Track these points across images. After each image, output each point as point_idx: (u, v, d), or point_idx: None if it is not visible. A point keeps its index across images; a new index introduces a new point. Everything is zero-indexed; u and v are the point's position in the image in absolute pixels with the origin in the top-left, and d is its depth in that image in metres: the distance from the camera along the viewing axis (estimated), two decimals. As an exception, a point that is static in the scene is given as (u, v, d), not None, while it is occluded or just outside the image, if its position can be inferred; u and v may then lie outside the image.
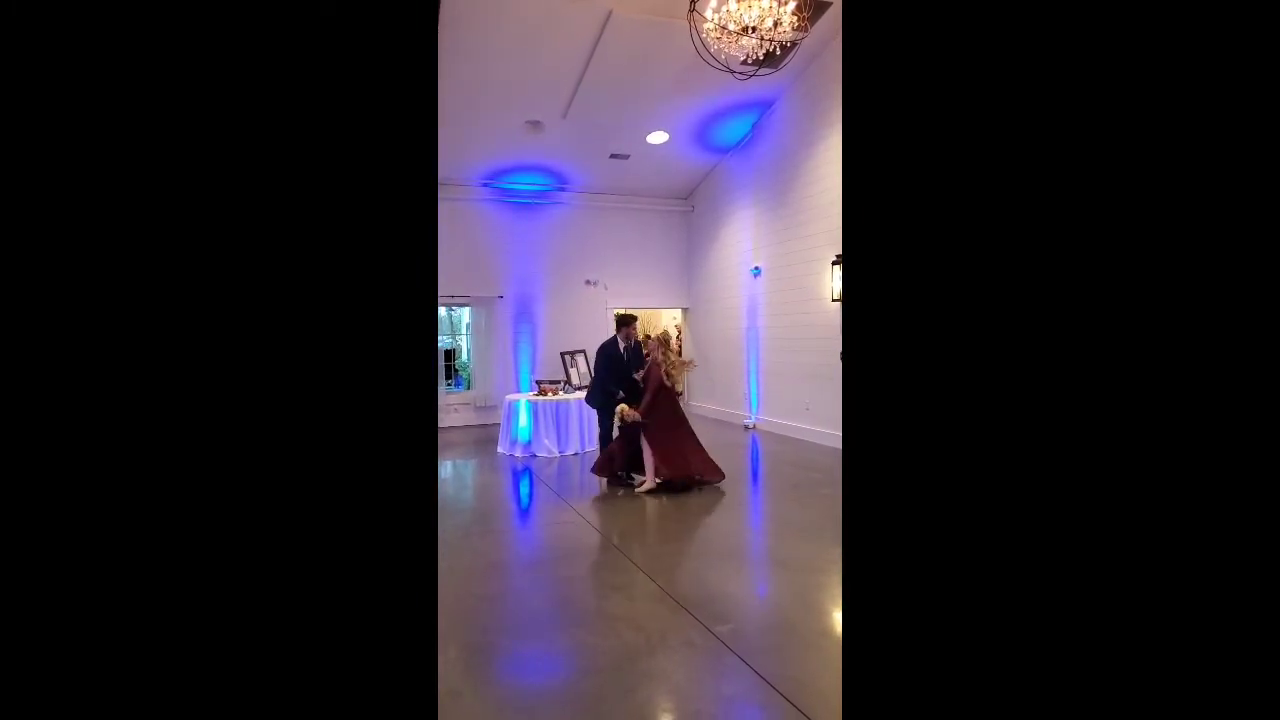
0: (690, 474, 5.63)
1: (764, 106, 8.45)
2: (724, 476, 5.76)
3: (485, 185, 9.70)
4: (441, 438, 8.39)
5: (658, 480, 5.61)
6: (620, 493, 5.66)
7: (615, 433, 5.90)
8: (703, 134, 8.95)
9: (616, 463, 5.89)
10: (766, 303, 8.82)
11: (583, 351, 8.89)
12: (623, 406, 5.70)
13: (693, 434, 5.87)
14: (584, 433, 7.56)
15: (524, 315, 10.08)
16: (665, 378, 5.74)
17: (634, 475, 5.88)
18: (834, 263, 7.33)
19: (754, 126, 8.85)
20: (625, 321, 6.18)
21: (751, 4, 4.70)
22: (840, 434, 7.14)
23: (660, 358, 5.75)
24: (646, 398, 5.65)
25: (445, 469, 6.95)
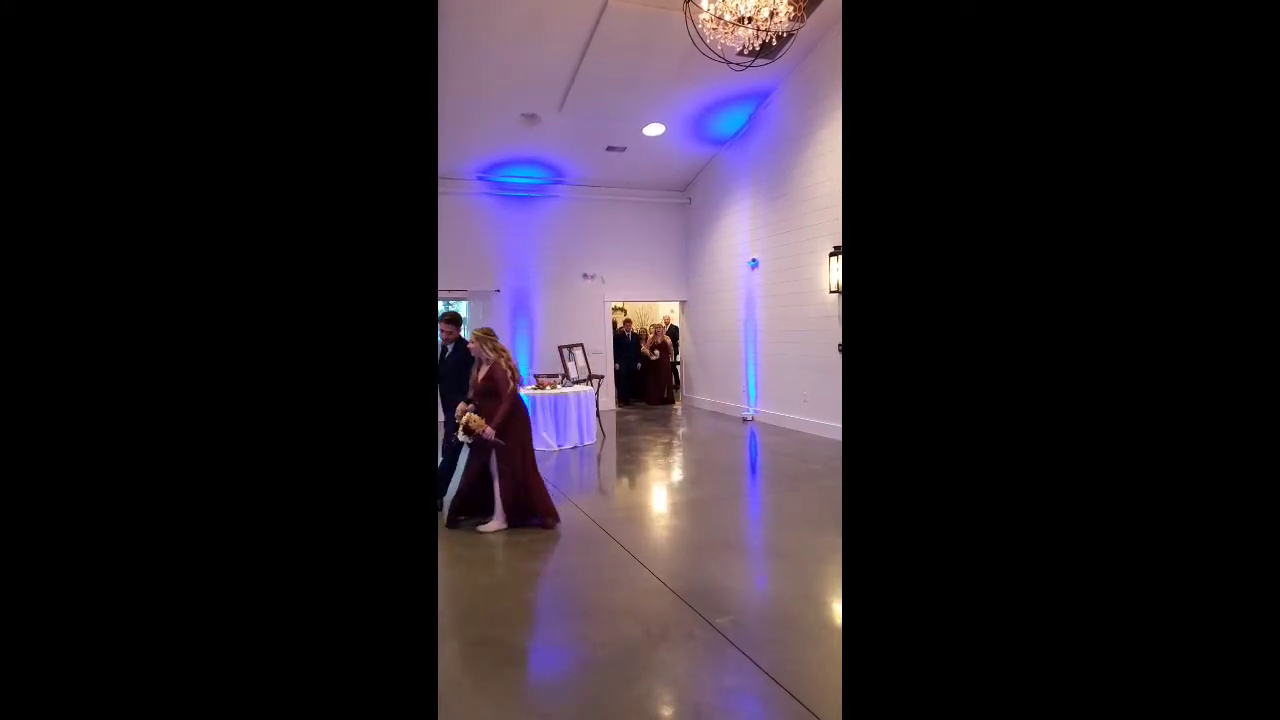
0: (535, 513, 4.45)
1: (760, 97, 8.42)
2: (559, 520, 4.48)
3: (481, 179, 9.66)
4: (440, 431, 8.38)
5: (506, 522, 4.38)
6: (477, 526, 4.40)
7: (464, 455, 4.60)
8: (699, 126, 8.91)
9: (462, 501, 4.51)
10: (764, 295, 8.81)
11: (580, 345, 8.88)
12: (469, 415, 4.25)
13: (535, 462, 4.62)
14: (582, 427, 7.56)
15: (521, 309, 10.06)
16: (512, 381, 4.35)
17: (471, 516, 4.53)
18: (831, 254, 7.32)
19: (751, 118, 8.82)
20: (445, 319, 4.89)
21: (747, -6, 4.66)
22: (838, 425, 7.15)
23: (492, 354, 4.35)
24: (504, 407, 4.26)
25: (444, 463, 6.95)
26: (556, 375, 8.15)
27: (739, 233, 9.36)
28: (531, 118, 8.29)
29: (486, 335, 4.43)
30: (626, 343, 11.27)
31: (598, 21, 6.59)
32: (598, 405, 8.10)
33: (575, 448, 7.39)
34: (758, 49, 5.07)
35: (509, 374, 4.35)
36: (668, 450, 7.32)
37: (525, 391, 7.11)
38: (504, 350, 4.45)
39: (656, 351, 11.34)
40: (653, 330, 11.78)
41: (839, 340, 7.28)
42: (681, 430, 8.61)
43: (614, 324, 11.14)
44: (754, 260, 8.96)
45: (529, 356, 10.04)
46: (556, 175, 9.91)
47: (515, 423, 4.38)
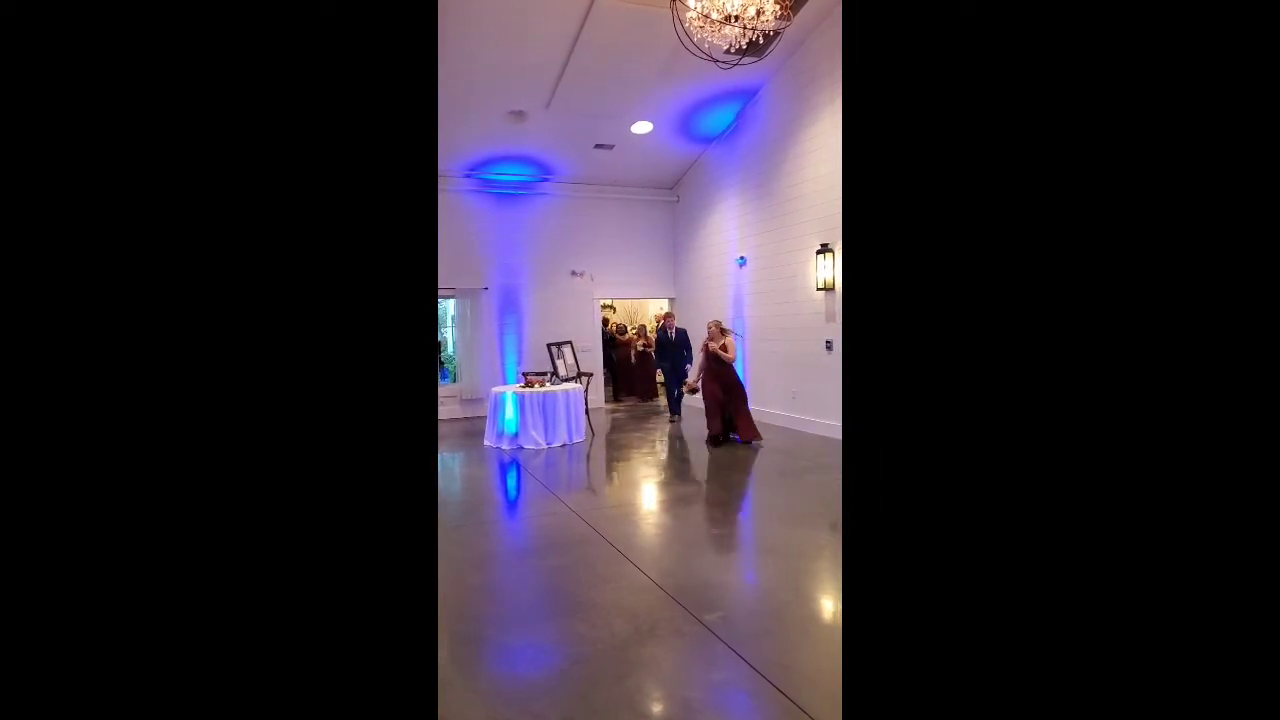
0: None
1: (748, 95, 8.43)
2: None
3: (468, 176, 9.62)
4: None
5: None
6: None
7: None
8: (687, 124, 8.91)
9: None
10: (752, 292, 8.84)
11: (569, 343, 8.87)
12: None
13: None
14: (571, 424, 7.56)
15: (509, 307, 10.03)
16: None
17: None
18: (818, 251, 7.36)
19: (738, 116, 8.83)
20: None
21: (734, -8, 4.67)
22: (827, 422, 7.18)
23: None
24: None
25: (432, 462, 6.92)
26: (545, 373, 8.14)
27: (727, 230, 9.37)
28: (519, 115, 8.26)
29: None
30: (669, 340, 9.36)
31: (585, 19, 6.58)
32: (587, 403, 8.10)
33: (564, 446, 7.39)
34: (744, 47, 5.08)
35: None
36: (655, 448, 7.33)
37: (514, 390, 7.39)
38: None
39: (692, 365, 8.28)
40: (714, 327, 7.62)
41: (827, 337, 7.31)
42: (669, 427, 8.62)
43: (621, 324, 10.84)
44: (742, 258, 8.98)
45: (517, 355, 10.02)
46: (544, 173, 9.88)
47: None
